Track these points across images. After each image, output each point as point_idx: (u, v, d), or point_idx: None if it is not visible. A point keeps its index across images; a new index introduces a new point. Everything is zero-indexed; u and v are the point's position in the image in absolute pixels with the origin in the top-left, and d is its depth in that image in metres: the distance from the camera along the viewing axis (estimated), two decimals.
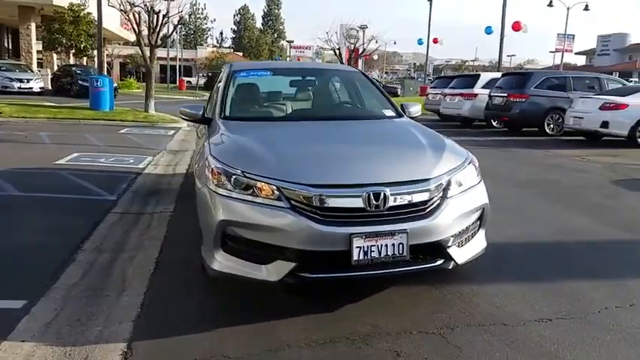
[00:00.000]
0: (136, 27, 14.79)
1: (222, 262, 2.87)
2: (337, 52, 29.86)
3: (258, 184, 2.79)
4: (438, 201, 2.89)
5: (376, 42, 32.54)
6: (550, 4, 32.18)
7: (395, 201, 2.76)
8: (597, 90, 12.80)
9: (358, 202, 2.72)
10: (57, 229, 4.48)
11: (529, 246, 4.20)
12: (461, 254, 2.98)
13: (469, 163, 3.19)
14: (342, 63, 31.78)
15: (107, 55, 33.49)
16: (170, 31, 18.35)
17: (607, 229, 4.70)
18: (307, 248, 2.67)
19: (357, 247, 2.66)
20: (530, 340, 2.62)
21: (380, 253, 2.70)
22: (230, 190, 2.84)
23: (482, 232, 3.22)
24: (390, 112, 4.18)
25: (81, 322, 2.83)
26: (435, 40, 33.92)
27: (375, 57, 36.07)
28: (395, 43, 51.83)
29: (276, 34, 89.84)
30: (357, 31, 35.75)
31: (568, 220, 5.01)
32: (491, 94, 13.76)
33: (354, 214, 2.72)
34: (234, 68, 4.47)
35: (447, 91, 16.18)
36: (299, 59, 71.17)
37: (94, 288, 3.29)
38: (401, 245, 2.72)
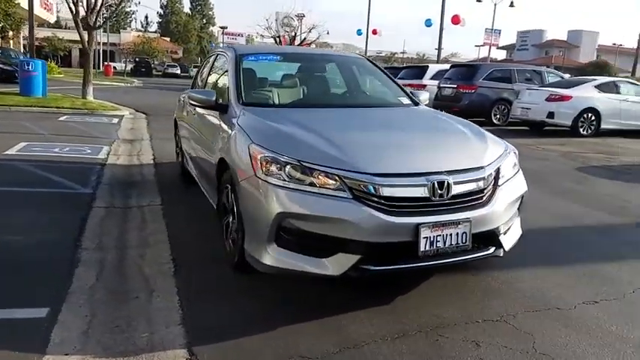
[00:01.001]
0: (73, 7, 13.70)
1: (275, 256, 2.70)
2: (278, 40, 29.40)
3: (317, 174, 2.64)
4: (492, 189, 2.89)
5: (310, 31, 32.36)
6: (479, 0, 33.58)
7: (457, 189, 2.73)
8: (539, 82, 13.54)
9: (423, 192, 2.65)
10: (42, 226, 4.05)
11: (537, 232, 4.33)
12: (507, 241, 3.01)
13: (510, 152, 3.21)
14: None
15: (23, 37, 30.86)
16: (112, 11, 17.16)
17: (599, 214, 4.97)
18: (373, 240, 2.57)
19: (424, 237, 2.59)
20: (589, 322, 2.70)
21: (445, 242, 2.65)
22: (285, 181, 2.67)
23: (519, 219, 3.27)
24: (405, 100, 4.14)
25: (121, 329, 2.56)
26: (375, 32, 34.35)
27: (313, 46, 35.88)
28: (328, 33, 51.98)
29: (205, 20, 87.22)
30: (294, 19, 35.46)
31: (558, 206, 5.25)
32: (441, 85, 14.16)
33: (419, 203, 2.65)
34: (241, 52, 4.22)
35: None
36: None
37: (116, 290, 3.00)
38: (464, 234, 2.70)
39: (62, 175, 5.78)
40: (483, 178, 2.85)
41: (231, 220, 3.25)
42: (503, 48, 65.89)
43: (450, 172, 2.74)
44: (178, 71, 50.53)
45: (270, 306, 2.83)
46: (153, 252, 3.62)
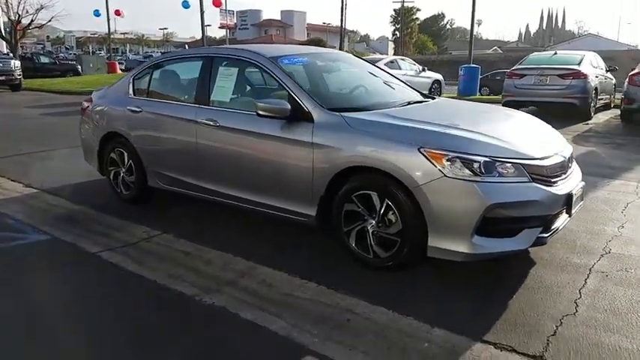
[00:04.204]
0: None
1: (477, 244, 3.00)
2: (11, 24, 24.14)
3: (502, 165, 3.03)
4: None
5: (37, 12, 27.75)
6: None
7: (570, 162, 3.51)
8: None
9: (561, 168, 3.34)
10: (95, 287, 3.23)
11: None
12: None
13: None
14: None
15: None
16: None
17: None
18: (550, 212, 3.16)
19: (574, 202, 3.31)
20: None
21: (578, 204, 3.42)
22: (481, 176, 2.97)
23: None
24: (420, 95, 4.57)
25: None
26: (118, 12, 31.29)
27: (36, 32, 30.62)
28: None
29: None
30: None
31: None
32: None
33: (562, 177, 3.32)
34: (272, 55, 3.98)
35: None
36: None
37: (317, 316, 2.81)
38: (582, 195, 3.51)
39: None
40: (572, 152, 3.69)
41: (373, 225, 3.31)
42: (225, 27, 68.22)
43: (562, 150, 3.49)
44: None
45: (477, 293, 3.13)
46: (280, 285, 3.27)
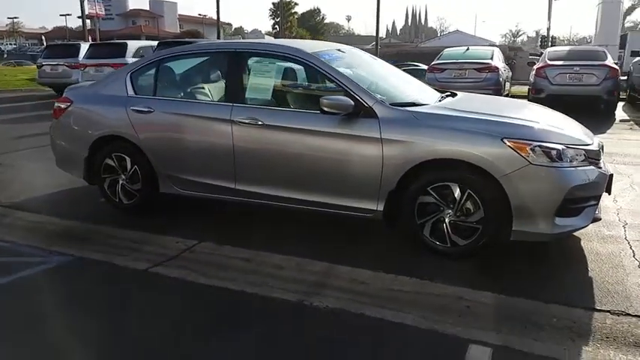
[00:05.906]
0: None
1: (558, 224, 3.30)
2: None
3: (571, 151, 3.35)
4: None
5: None
6: None
7: None
8: None
9: (602, 151, 3.77)
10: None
11: None
12: None
13: None
14: None
15: None
16: None
17: None
18: (602, 192, 3.57)
19: (612, 181, 3.76)
20: None
21: None
22: (559, 162, 3.26)
23: None
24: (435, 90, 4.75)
25: None
26: None
27: None
28: None
29: None
30: None
31: None
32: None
33: (602, 160, 3.75)
34: (313, 50, 3.88)
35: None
36: None
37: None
38: None
39: None
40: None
41: (451, 214, 3.45)
42: (89, 17, 62.77)
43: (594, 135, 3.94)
44: None
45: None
46: (373, 281, 3.29)
